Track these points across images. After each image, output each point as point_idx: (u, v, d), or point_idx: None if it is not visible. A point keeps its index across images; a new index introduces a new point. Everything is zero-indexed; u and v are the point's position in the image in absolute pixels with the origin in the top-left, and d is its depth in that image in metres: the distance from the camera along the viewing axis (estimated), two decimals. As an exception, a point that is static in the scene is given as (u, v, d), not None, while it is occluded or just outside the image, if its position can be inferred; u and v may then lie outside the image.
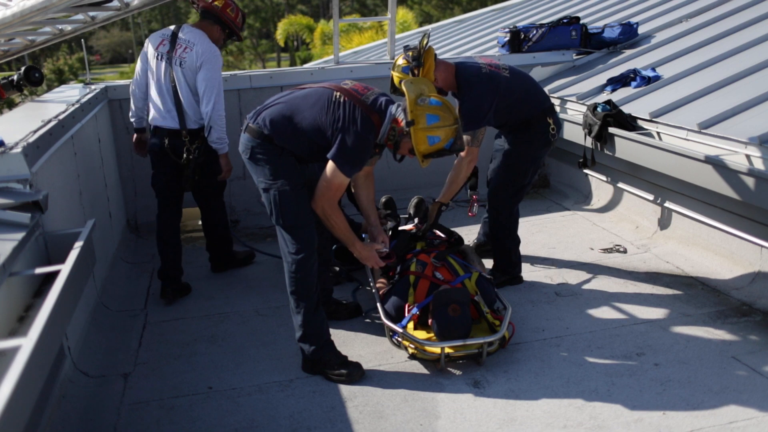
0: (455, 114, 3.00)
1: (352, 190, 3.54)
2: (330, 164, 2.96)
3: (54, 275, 2.28)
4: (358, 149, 2.94)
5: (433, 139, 2.94)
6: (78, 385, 2.99)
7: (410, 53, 3.65)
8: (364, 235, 3.73)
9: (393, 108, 2.99)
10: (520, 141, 3.90)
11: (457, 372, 3.11)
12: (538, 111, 3.84)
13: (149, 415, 2.89)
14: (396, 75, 3.69)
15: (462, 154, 3.67)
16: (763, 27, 5.31)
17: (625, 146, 4.54)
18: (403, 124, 2.94)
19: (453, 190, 3.89)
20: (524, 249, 4.32)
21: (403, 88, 3.00)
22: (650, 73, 5.11)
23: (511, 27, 6.27)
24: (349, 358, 3.15)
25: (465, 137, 3.60)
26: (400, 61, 3.70)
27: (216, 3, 4.00)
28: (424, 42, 3.65)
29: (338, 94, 2.98)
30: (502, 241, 4.07)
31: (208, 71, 3.87)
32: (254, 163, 3.07)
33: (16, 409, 1.61)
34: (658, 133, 4.44)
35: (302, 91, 3.13)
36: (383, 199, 4.47)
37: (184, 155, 3.92)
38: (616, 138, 4.60)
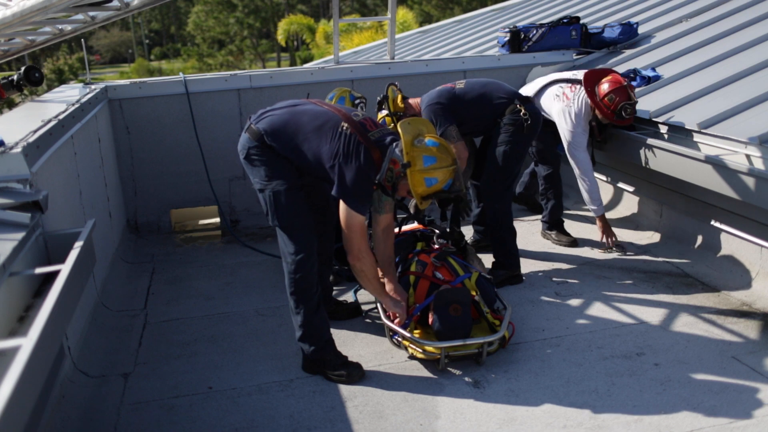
0: (453, 155, 2.98)
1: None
2: (342, 207, 2.94)
3: (54, 275, 2.28)
4: (359, 183, 2.89)
5: (431, 180, 2.91)
6: (78, 385, 2.99)
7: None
8: None
9: (392, 148, 2.93)
10: (497, 135, 4.04)
11: (457, 372, 3.11)
12: (501, 107, 4.01)
13: (149, 415, 2.89)
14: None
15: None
16: (763, 27, 5.31)
17: (626, 146, 4.54)
18: (399, 165, 2.90)
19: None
20: (524, 249, 4.33)
21: (399, 130, 2.94)
22: (650, 73, 5.10)
23: (511, 27, 6.26)
24: (349, 358, 3.15)
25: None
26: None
27: None
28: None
29: (345, 125, 2.93)
30: (500, 234, 4.10)
31: None
32: (250, 164, 3.06)
33: (16, 409, 1.60)
34: (658, 133, 4.44)
35: (311, 108, 3.07)
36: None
37: None
38: (616, 138, 4.59)
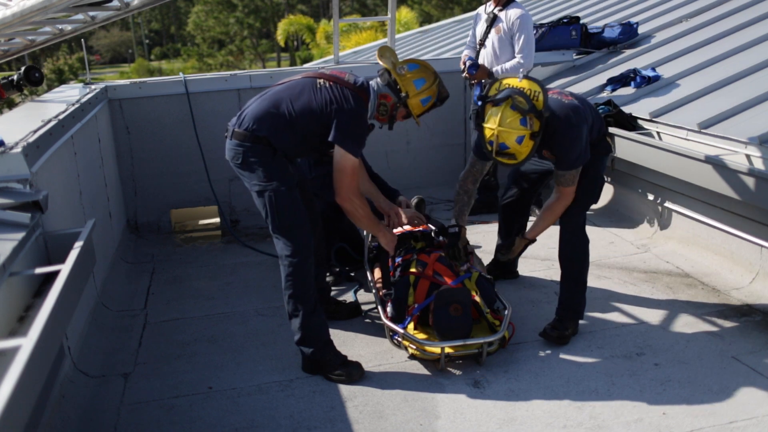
0: (432, 68, 3.22)
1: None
2: (336, 150, 3.01)
3: (54, 275, 2.28)
4: (357, 124, 3.04)
5: (426, 100, 3.19)
6: (78, 385, 3.00)
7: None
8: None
9: (373, 84, 3.14)
10: (590, 163, 3.31)
11: (457, 372, 3.11)
12: (601, 132, 3.39)
13: (149, 415, 2.89)
14: (510, 130, 2.95)
15: (558, 193, 3.31)
16: (763, 27, 5.31)
17: (625, 146, 4.54)
18: (393, 99, 3.11)
19: (543, 228, 3.55)
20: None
21: (384, 63, 3.14)
22: (650, 73, 5.11)
23: (511, 27, 6.25)
24: (349, 358, 3.15)
25: (564, 177, 3.23)
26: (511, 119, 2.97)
27: None
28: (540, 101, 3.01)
29: (322, 80, 3.07)
30: (581, 272, 3.52)
31: None
32: (245, 168, 3.04)
33: (16, 409, 1.61)
34: (658, 133, 4.44)
35: (282, 85, 3.17)
36: (415, 200, 4.35)
37: None
38: (616, 138, 4.59)
